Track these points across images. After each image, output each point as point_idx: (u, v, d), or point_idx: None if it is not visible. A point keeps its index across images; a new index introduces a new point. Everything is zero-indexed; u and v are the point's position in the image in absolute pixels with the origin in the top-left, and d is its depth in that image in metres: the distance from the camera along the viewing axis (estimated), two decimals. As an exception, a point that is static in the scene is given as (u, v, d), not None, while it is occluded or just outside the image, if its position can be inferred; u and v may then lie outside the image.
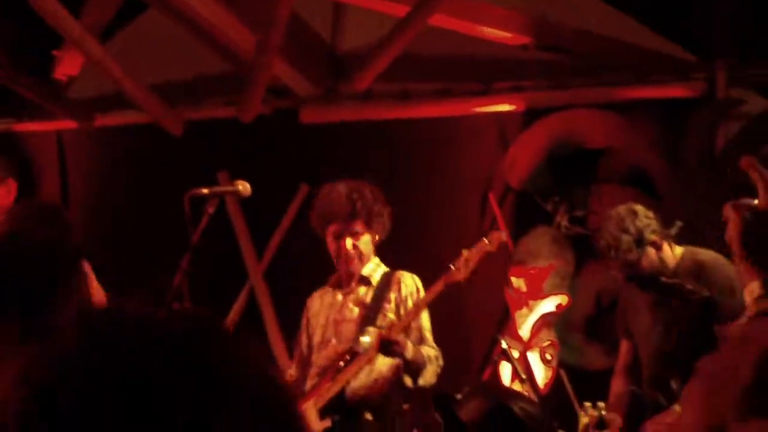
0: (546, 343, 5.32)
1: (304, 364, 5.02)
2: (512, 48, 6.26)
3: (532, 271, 5.53)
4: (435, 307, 4.88)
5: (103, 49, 6.57)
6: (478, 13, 6.12)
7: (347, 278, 4.98)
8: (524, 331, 5.41)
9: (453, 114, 6.45)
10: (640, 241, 4.63)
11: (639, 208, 4.75)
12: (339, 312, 4.95)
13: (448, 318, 5.27)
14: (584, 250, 5.64)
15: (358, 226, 4.86)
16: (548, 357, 5.27)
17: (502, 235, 4.88)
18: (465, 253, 4.77)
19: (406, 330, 4.78)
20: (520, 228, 6.01)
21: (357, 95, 6.52)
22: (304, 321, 5.09)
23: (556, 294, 5.52)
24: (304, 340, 5.05)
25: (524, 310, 5.48)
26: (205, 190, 4.38)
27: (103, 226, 7.03)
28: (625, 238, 4.61)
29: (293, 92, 6.70)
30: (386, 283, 4.91)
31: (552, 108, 6.21)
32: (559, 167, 6.07)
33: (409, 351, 4.66)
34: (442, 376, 4.79)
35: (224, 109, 6.79)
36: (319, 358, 4.92)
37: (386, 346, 4.62)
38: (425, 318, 4.88)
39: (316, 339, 4.98)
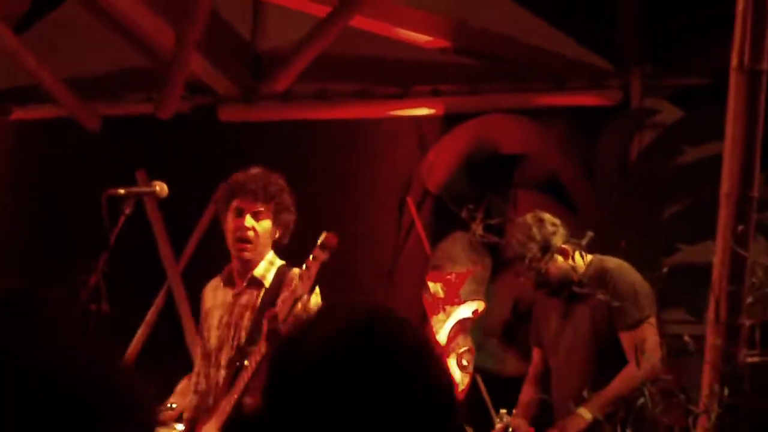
0: (463, 349, 5.34)
1: (206, 357, 4.82)
2: (432, 51, 6.30)
3: (449, 277, 5.55)
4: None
5: (17, 39, 6.48)
6: (398, 16, 6.16)
7: (239, 274, 4.72)
8: (441, 336, 5.43)
9: (372, 116, 6.47)
10: (546, 249, 4.60)
11: (546, 215, 4.74)
12: (230, 315, 4.70)
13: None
14: (501, 256, 5.69)
15: (263, 208, 4.62)
16: (465, 363, 5.30)
17: (334, 238, 4.64)
18: (305, 266, 4.57)
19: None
20: (438, 233, 6.05)
21: (276, 95, 6.52)
22: (202, 314, 4.91)
23: (473, 300, 5.55)
24: (205, 334, 4.87)
25: (441, 315, 5.51)
26: (121, 191, 4.34)
27: (20, 221, 6.94)
28: (531, 245, 4.58)
29: (212, 90, 6.67)
30: (278, 283, 4.64)
31: (470, 113, 6.26)
32: (477, 173, 6.12)
33: None
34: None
35: (142, 106, 6.74)
36: (218, 366, 4.73)
37: (273, 338, 4.35)
38: (315, 302, 4.54)
39: (212, 342, 4.79)
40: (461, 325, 5.46)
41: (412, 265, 5.44)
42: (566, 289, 4.65)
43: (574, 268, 4.69)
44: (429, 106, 6.36)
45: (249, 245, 4.63)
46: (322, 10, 5.97)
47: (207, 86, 6.66)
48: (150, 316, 6.58)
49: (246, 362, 4.50)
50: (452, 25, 6.21)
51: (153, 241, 6.69)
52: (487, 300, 5.64)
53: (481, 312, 5.57)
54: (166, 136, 6.64)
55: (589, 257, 4.75)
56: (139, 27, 6.32)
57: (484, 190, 6.02)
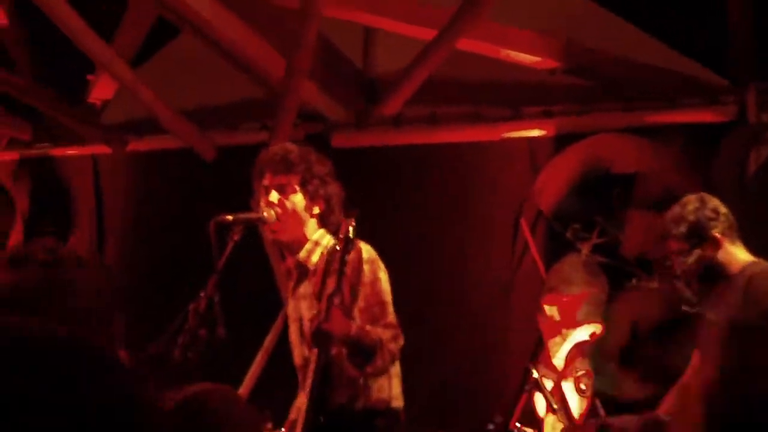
0: (580, 373, 5.27)
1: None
2: (541, 72, 6.27)
3: (565, 299, 5.48)
4: (470, 334, 4.83)
5: (133, 73, 6.63)
6: (505, 37, 6.14)
7: (291, 263, 4.53)
8: (558, 359, 5.37)
9: (482, 139, 6.45)
10: (695, 233, 4.24)
11: (713, 199, 4.34)
12: (293, 310, 4.55)
13: (481, 345, 5.28)
14: (618, 277, 5.61)
15: (285, 180, 4.41)
16: (583, 387, 5.22)
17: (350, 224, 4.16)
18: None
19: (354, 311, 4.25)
20: (552, 254, 5.99)
21: (387, 120, 6.55)
22: (279, 324, 4.85)
23: (590, 322, 5.47)
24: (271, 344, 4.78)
25: (558, 339, 5.44)
26: (229, 217, 4.37)
27: (137, 249, 7.08)
28: (681, 225, 4.24)
29: (324, 117, 6.73)
30: (329, 264, 4.31)
31: (582, 133, 6.21)
32: (590, 193, 6.06)
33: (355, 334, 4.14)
34: (475, 405, 4.71)
35: (256, 134, 6.83)
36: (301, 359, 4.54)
37: (319, 337, 4.12)
38: (384, 290, 4.31)
39: (292, 337, 4.58)
40: (578, 349, 5.38)
41: (527, 287, 5.40)
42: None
43: (721, 263, 4.32)
44: (540, 127, 6.33)
45: (277, 223, 4.40)
46: (429, 34, 5.99)
47: (319, 113, 6.73)
48: (268, 340, 6.63)
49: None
50: (560, 45, 6.16)
51: (269, 266, 6.76)
52: (605, 322, 5.57)
53: (598, 335, 5.49)
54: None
55: (745, 255, 4.35)
56: (252, 57, 6.41)
57: (597, 210, 5.96)
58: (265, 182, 4.48)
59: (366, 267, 4.33)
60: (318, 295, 4.34)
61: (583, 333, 5.43)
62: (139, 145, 7.23)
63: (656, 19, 6.16)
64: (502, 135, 6.42)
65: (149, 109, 6.67)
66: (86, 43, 6.24)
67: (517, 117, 6.32)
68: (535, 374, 4.72)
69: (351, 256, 4.19)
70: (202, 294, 4.28)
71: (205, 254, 4.43)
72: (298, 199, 4.40)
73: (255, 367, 6.68)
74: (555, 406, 4.74)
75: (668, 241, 4.38)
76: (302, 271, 4.46)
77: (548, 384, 4.92)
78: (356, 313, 4.28)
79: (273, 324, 6.68)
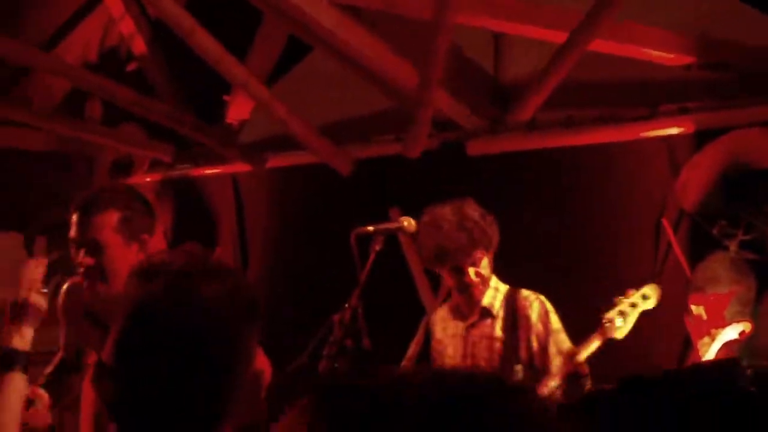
0: (731, 372, 5.15)
1: None
2: (676, 69, 6.16)
3: (711, 298, 5.37)
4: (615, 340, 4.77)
5: (269, 92, 6.74)
6: (638, 36, 6.05)
7: (466, 306, 4.85)
8: (707, 359, 5.26)
9: (620, 139, 6.36)
10: None
11: None
12: (465, 346, 4.83)
13: (628, 348, 5.18)
14: (766, 274, 5.47)
15: (478, 254, 4.73)
16: (733, 386, 5.10)
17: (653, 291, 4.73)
18: (621, 302, 4.64)
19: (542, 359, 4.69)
20: (697, 253, 5.87)
21: (521, 125, 6.51)
22: (421, 337, 5.02)
23: (738, 321, 5.34)
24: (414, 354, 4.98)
25: (706, 339, 5.31)
26: (370, 228, 4.44)
27: (279, 263, 7.18)
28: None
29: (459, 125, 6.73)
30: (511, 309, 4.75)
31: (721, 128, 6.07)
32: (733, 189, 5.92)
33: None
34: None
35: (391, 146, 6.87)
36: None
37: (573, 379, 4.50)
38: (563, 340, 4.73)
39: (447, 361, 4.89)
40: (728, 348, 5.26)
41: (672, 288, 5.28)
42: None
43: None
44: (677, 125, 6.20)
45: (479, 287, 4.75)
46: (560, 37, 5.94)
47: (453, 122, 6.73)
48: (412, 350, 6.65)
49: None
50: (695, 40, 6.05)
51: (410, 277, 6.79)
52: (754, 320, 5.43)
53: (748, 333, 5.36)
54: (416, 174, 6.75)
55: None
56: (383, 70, 6.45)
57: (742, 206, 5.82)
58: (455, 264, 4.76)
59: (553, 317, 4.75)
60: (504, 339, 4.69)
61: (732, 332, 5.29)
62: (277, 161, 7.34)
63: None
64: (640, 134, 6.32)
65: (285, 126, 6.76)
66: (223, 65, 6.36)
67: (654, 115, 6.21)
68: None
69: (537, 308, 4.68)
70: (346, 305, 4.34)
71: (345, 266, 4.48)
72: (483, 265, 4.76)
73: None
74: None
75: None
76: (485, 314, 4.78)
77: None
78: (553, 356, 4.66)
79: (415, 333, 6.70)
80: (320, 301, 6.22)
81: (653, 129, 6.25)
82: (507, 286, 4.82)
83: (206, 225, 7.48)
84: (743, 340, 5.37)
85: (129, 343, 2.22)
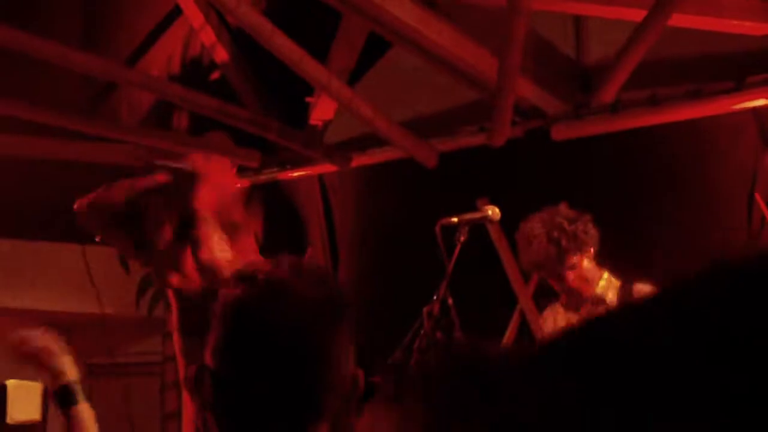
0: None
1: None
2: (760, 39, 6.03)
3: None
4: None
5: (351, 91, 6.76)
6: (718, 7, 5.94)
7: (577, 297, 4.89)
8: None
9: (706, 114, 6.25)
10: None
11: None
12: None
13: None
14: None
15: (573, 259, 4.77)
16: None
17: None
18: None
19: None
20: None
21: (605, 107, 6.44)
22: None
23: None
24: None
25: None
26: (454, 219, 4.45)
27: (368, 262, 7.22)
28: None
29: (542, 112, 6.68)
30: (626, 299, 4.77)
31: (813, 97, 5.93)
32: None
33: None
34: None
35: (475, 137, 6.85)
36: None
37: None
38: None
39: None
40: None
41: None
42: None
43: None
44: (766, 96, 6.07)
45: (584, 286, 4.85)
46: (640, 15, 5.86)
47: (537, 108, 6.69)
48: (506, 340, 6.63)
49: None
50: (779, 8, 5.92)
51: (499, 266, 6.76)
52: None
53: None
54: (502, 163, 6.73)
55: None
56: (463, 60, 6.43)
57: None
58: (551, 272, 4.92)
59: None
60: None
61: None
62: (362, 159, 7.36)
63: None
64: (727, 108, 6.20)
65: (369, 124, 6.78)
66: (304, 68, 6.40)
67: (741, 88, 6.08)
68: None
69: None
70: (435, 297, 4.35)
71: (434, 258, 4.48)
72: (585, 263, 4.83)
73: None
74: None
75: None
76: (598, 302, 4.82)
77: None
78: None
79: (509, 322, 6.68)
80: (411, 296, 6.26)
81: (741, 101, 6.12)
82: (619, 281, 4.82)
83: (296, 227, 7.56)
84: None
85: (229, 345, 2.28)
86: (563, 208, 4.90)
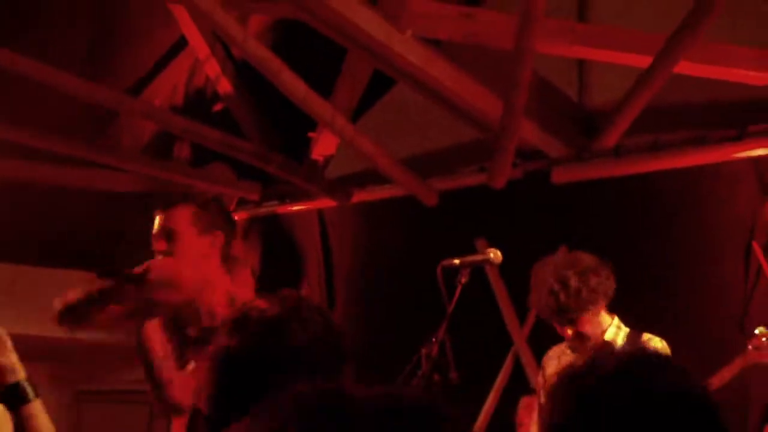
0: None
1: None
2: (764, 88, 6.05)
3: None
4: (704, 372, 4.70)
5: (353, 128, 6.77)
6: (724, 56, 5.96)
7: (584, 340, 4.79)
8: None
9: (707, 162, 6.26)
10: None
11: None
12: None
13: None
14: None
15: (571, 316, 4.71)
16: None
17: None
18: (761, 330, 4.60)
19: None
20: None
21: (607, 151, 6.44)
22: (540, 380, 5.01)
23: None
24: (542, 400, 4.94)
25: (801, 362, 5.21)
26: (456, 261, 4.43)
27: (365, 299, 7.21)
28: None
29: (543, 154, 6.68)
30: (632, 347, 4.75)
31: (813, 148, 5.94)
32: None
33: None
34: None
35: (475, 177, 6.85)
36: None
37: None
38: None
39: None
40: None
41: (763, 312, 5.19)
42: None
43: None
44: (767, 146, 6.09)
45: (584, 339, 4.75)
46: (645, 61, 5.88)
47: (538, 151, 6.69)
48: (499, 382, 6.63)
49: None
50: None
51: (496, 308, 6.76)
52: None
53: None
54: (502, 204, 6.73)
55: None
56: (467, 101, 6.44)
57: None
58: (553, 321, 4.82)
59: None
60: None
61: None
62: (362, 195, 7.37)
63: None
64: (728, 156, 6.20)
65: (370, 160, 6.79)
66: (308, 104, 6.41)
67: (742, 136, 6.09)
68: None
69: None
70: (433, 339, 4.34)
71: (433, 298, 4.47)
72: (587, 318, 4.74)
73: (487, 407, 6.69)
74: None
75: None
76: (603, 347, 4.69)
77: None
78: None
79: (503, 364, 6.68)
80: (408, 336, 6.24)
81: (741, 150, 6.13)
82: (628, 329, 4.80)
83: (293, 262, 7.54)
84: None
85: (222, 392, 2.29)
86: (584, 256, 4.81)
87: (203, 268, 4.22)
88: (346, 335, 2.44)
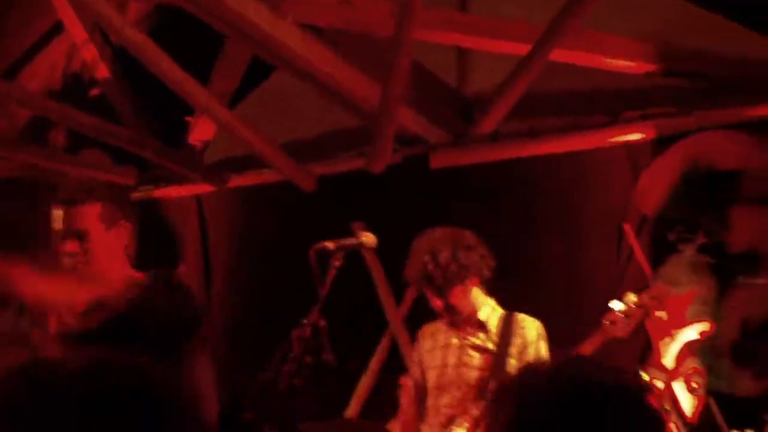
0: (691, 371, 5.17)
1: (419, 401, 4.99)
2: (637, 76, 6.17)
3: (672, 299, 5.39)
4: (579, 345, 4.80)
5: (230, 113, 6.73)
6: (599, 45, 6.06)
7: (460, 320, 4.93)
8: (668, 360, 5.26)
9: (582, 147, 6.37)
10: None
11: None
12: (458, 357, 4.90)
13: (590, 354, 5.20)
14: (725, 275, 5.49)
15: (438, 283, 4.85)
16: (694, 385, 5.10)
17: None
18: (619, 308, 4.70)
19: None
20: (658, 257, 5.88)
21: (485, 137, 6.51)
22: (415, 356, 5.08)
23: (698, 321, 5.36)
24: (417, 376, 5.01)
25: (667, 339, 5.32)
26: (329, 244, 4.43)
27: (242, 282, 7.18)
28: None
29: (423, 140, 6.72)
30: (507, 327, 4.84)
31: (682, 133, 6.08)
32: (692, 192, 5.93)
33: None
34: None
35: (354, 162, 6.87)
36: (439, 405, 4.87)
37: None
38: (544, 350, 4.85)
39: (431, 382, 4.94)
40: (689, 348, 5.27)
41: (634, 291, 5.28)
42: None
43: None
44: (639, 131, 6.22)
45: (451, 315, 4.89)
46: (523, 49, 5.94)
47: (417, 136, 6.73)
48: (374, 363, 6.65)
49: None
50: (656, 48, 6.06)
51: (373, 291, 6.78)
52: (715, 321, 5.44)
53: (708, 333, 5.36)
54: (380, 189, 6.75)
55: None
56: (346, 87, 6.44)
57: (701, 209, 5.83)
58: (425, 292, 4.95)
59: (543, 343, 4.92)
60: (498, 356, 4.83)
61: (692, 332, 5.31)
62: (239, 180, 7.34)
63: (755, 12, 6.02)
64: (602, 142, 6.32)
65: (248, 146, 6.76)
66: (184, 90, 6.36)
67: (615, 122, 6.22)
68: (645, 377, 4.64)
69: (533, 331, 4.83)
70: (305, 321, 4.34)
71: (308, 282, 4.46)
72: (457, 292, 4.88)
73: (361, 390, 6.71)
74: (667, 407, 4.65)
75: None
76: (480, 328, 4.92)
77: (659, 385, 4.83)
78: None
79: (378, 346, 6.70)
80: (283, 318, 6.22)
81: (615, 136, 6.27)
82: (503, 310, 4.86)
83: (169, 246, 7.47)
84: (703, 340, 5.39)
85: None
86: (464, 232, 4.93)
87: (110, 262, 4.21)
88: (203, 315, 2.45)
